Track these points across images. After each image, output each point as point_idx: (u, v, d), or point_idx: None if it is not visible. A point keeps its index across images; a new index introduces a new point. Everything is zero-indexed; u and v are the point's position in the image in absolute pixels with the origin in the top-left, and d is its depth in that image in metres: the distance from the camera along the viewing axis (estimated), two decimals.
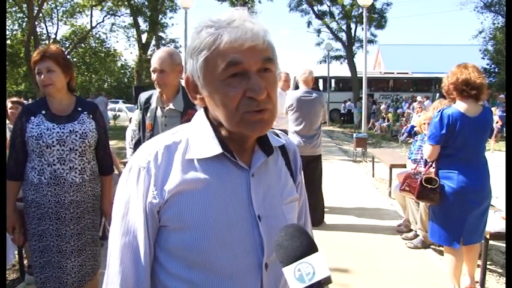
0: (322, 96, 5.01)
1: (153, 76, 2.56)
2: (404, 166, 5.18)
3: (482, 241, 3.15)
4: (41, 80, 2.24)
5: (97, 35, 26.29)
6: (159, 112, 2.63)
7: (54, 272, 2.25)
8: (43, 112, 2.27)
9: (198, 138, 0.91)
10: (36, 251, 2.26)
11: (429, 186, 2.94)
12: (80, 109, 2.35)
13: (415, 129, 8.62)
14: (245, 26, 0.84)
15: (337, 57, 25.55)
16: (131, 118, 9.07)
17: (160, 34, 24.87)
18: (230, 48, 0.82)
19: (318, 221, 4.63)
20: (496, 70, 23.56)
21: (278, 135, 1.04)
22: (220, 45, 0.83)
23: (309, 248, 0.75)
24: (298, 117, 4.75)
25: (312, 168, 4.76)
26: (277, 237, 0.78)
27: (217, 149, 0.89)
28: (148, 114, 2.67)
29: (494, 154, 10.12)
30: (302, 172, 1.12)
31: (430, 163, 3.09)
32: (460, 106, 2.89)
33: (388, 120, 17.42)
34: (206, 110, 0.94)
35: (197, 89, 0.91)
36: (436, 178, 2.95)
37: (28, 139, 2.23)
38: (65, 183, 2.25)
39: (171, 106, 2.57)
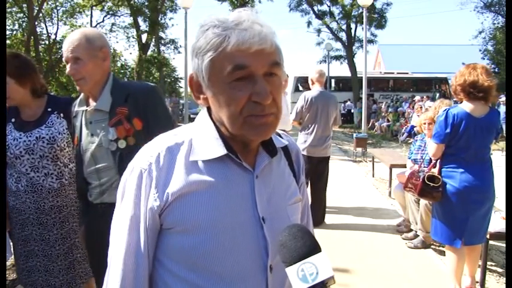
0: (335, 96, 5.09)
1: (67, 68, 1.89)
2: (404, 166, 5.17)
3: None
4: None
5: None
6: (83, 119, 1.94)
7: (41, 275, 2.23)
8: (12, 120, 2.18)
9: (202, 139, 0.91)
10: (22, 256, 2.23)
11: (431, 184, 2.94)
12: (49, 109, 2.22)
13: (415, 129, 8.63)
14: (253, 28, 0.82)
15: (337, 57, 25.54)
16: None
17: (160, 34, 24.86)
18: (237, 51, 0.82)
19: (318, 221, 4.64)
20: (496, 70, 23.54)
21: (281, 136, 1.03)
22: (227, 48, 0.82)
23: (312, 248, 0.75)
24: (314, 117, 4.72)
25: (321, 169, 4.82)
26: (281, 237, 0.78)
27: (222, 150, 0.88)
28: (77, 123, 2.00)
29: (493, 154, 10.11)
30: (304, 173, 1.11)
31: (434, 162, 3.09)
32: (466, 106, 2.88)
33: (388, 120, 17.42)
34: (209, 109, 0.93)
35: (201, 89, 0.90)
36: (439, 176, 2.95)
37: None
38: (43, 189, 2.18)
39: (94, 106, 1.88)
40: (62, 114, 2.23)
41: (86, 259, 2.34)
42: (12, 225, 2.24)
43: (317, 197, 4.79)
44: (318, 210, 4.69)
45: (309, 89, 5.00)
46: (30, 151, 2.15)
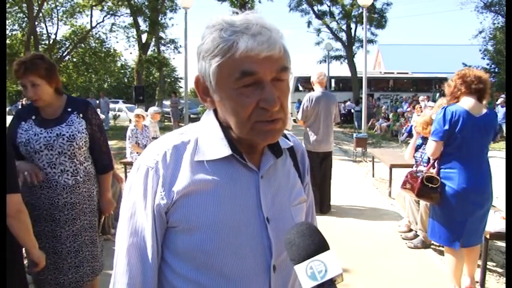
0: (335, 96, 5.66)
1: None
2: (404, 166, 5.18)
3: (483, 241, 3.15)
4: (27, 94, 2.19)
5: (97, 35, 26.28)
6: None
7: (50, 273, 2.25)
8: (33, 117, 2.24)
9: (207, 139, 0.91)
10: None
11: (430, 185, 2.94)
12: (69, 109, 2.28)
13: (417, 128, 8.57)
14: (262, 34, 0.81)
15: (337, 57, 25.51)
16: (130, 119, 9.06)
17: (160, 34, 24.84)
18: (246, 57, 0.81)
19: (326, 209, 5.33)
20: (496, 70, 23.52)
21: (286, 137, 1.04)
22: (236, 54, 0.81)
23: (321, 246, 0.76)
24: (318, 115, 5.21)
25: (326, 163, 5.37)
26: (289, 235, 0.78)
27: (227, 151, 0.89)
28: None
29: (493, 154, 10.11)
30: (309, 172, 1.12)
31: (432, 161, 3.09)
32: (465, 104, 2.89)
33: (388, 120, 17.41)
34: (215, 110, 0.93)
35: (208, 91, 0.90)
36: (438, 177, 2.95)
37: (19, 145, 2.21)
38: (58, 185, 2.22)
39: None
40: (81, 115, 2.30)
41: (95, 258, 2.38)
42: None
43: (324, 189, 5.32)
44: (324, 200, 5.34)
45: (310, 89, 5.46)
46: (49, 147, 2.20)
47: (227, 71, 0.83)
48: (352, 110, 22.16)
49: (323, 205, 5.36)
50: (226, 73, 0.83)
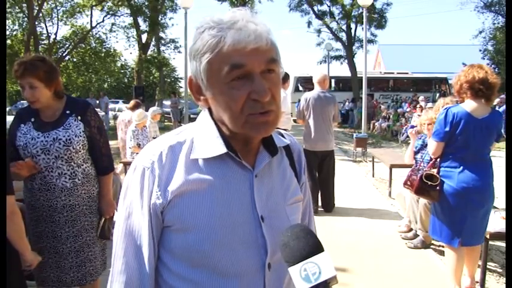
0: (334, 97, 5.62)
1: None
2: (404, 166, 5.18)
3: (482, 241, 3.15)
4: (25, 95, 2.20)
5: (97, 35, 26.25)
6: None
7: (52, 271, 2.27)
8: (32, 120, 2.24)
9: (203, 138, 0.92)
10: (35, 251, 2.27)
11: (429, 182, 2.94)
12: (68, 112, 2.26)
13: (414, 129, 8.58)
14: (248, 27, 0.83)
15: (337, 57, 25.56)
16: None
17: (160, 34, 24.83)
18: (233, 50, 0.82)
19: (329, 209, 5.38)
20: (496, 70, 23.51)
21: (283, 135, 1.04)
22: (223, 48, 0.83)
23: (315, 247, 0.75)
24: (314, 114, 5.24)
25: (329, 163, 5.41)
26: (283, 237, 0.79)
27: (222, 149, 0.89)
28: None
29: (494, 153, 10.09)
30: (307, 171, 1.12)
31: (433, 160, 3.09)
32: (468, 106, 2.87)
33: (388, 119, 17.40)
34: (210, 109, 0.94)
35: (201, 90, 0.91)
36: (437, 175, 2.96)
37: (18, 147, 2.22)
38: (56, 188, 2.23)
39: None
40: (79, 117, 2.27)
41: (96, 257, 2.39)
42: (28, 222, 2.27)
43: (327, 188, 5.41)
44: (329, 199, 5.39)
45: (310, 89, 5.44)
46: (46, 151, 2.20)
47: (217, 65, 0.84)
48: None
49: (327, 204, 5.38)
50: (216, 68, 0.84)
